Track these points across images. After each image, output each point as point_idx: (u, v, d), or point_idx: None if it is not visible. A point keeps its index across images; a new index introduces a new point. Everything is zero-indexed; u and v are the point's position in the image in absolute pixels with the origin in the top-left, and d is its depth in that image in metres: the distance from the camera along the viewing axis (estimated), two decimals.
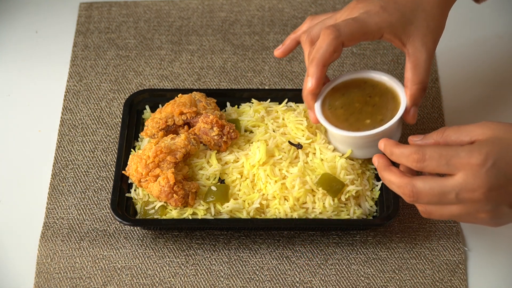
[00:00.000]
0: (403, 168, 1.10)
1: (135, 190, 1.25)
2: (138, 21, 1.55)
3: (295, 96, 1.32)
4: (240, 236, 1.25)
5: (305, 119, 1.27)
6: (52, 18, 1.56)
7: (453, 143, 1.06)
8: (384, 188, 1.23)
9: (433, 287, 1.20)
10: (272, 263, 1.23)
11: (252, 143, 1.26)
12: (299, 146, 1.24)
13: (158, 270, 1.22)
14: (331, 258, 1.23)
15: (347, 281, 1.21)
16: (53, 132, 1.39)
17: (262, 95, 1.33)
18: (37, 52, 1.51)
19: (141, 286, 1.21)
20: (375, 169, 1.26)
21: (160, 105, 1.34)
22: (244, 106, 1.32)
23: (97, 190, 1.31)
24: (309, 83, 1.16)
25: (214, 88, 1.42)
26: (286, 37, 1.51)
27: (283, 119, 1.29)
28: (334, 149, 1.24)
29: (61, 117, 1.40)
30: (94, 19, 1.55)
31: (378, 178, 1.26)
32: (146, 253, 1.24)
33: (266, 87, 1.45)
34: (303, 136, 1.25)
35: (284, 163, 1.23)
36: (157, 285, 1.21)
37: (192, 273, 1.22)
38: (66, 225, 1.27)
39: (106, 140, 1.37)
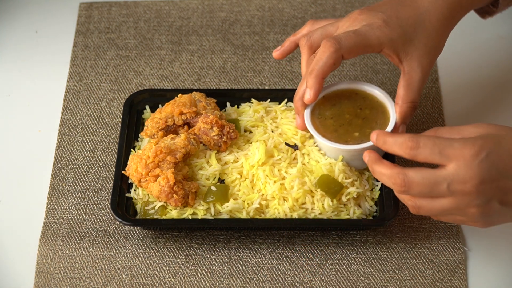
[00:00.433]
0: None
1: (135, 190, 1.25)
2: (138, 21, 1.55)
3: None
4: (240, 236, 1.25)
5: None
6: (52, 18, 1.56)
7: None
8: (384, 188, 1.23)
9: (433, 287, 1.20)
10: (272, 263, 1.23)
11: (251, 143, 1.26)
12: (295, 147, 1.24)
13: (158, 270, 1.22)
14: (331, 258, 1.23)
15: (347, 281, 1.21)
16: (53, 132, 1.39)
17: (262, 95, 1.33)
18: (37, 52, 1.51)
19: (141, 286, 1.21)
20: None
21: (160, 105, 1.34)
22: (244, 106, 1.32)
23: (97, 190, 1.31)
24: (307, 95, 1.17)
25: (214, 88, 1.42)
26: (286, 37, 1.51)
27: (281, 118, 1.29)
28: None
29: (61, 117, 1.40)
30: (94, 19, 1.55)
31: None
32: (146, 253, 1.24)
33: (266, 87, 1.45)
34: (296, 134, 1.25)
35: (283, 163, 1.23)
36: (157, 285, 1.21)
37: (192, 273, 1.22)
38: (66, 225, 1.27)
39: (106, 140, 1.37)
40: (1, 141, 1.38)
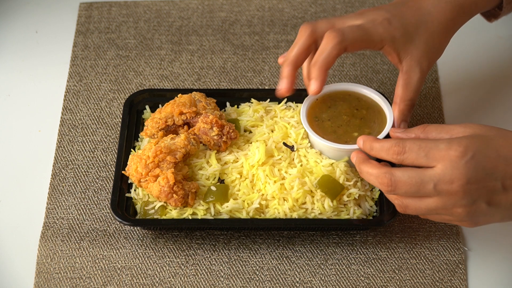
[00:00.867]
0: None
1: (135, 190, 1.25)
2: (138, 21, 1.55)
3: (295, 96, 1.32)
4: (240, 236, 1.25)
5: (295, 115, 1.28)
6: (52, 18, 1.56)
7: (433, 139, 1.07)
8: None
9: (433, 287, 1.20)
10: (272, 263, 1.23)
11: (251, 143, 1.26)
12: (292, 148, 1.24)
13: (158, 270, 1.22)
14: (331, 258, 1.23)
15: (347, 281, 1.21)
16: (53, 132, 1.39)
17: (261, 95, 1.33)
18: (37, 52, 1.51)
19: (141, 286, 1.21)
20: None
21: (160, 105, 1.34)
22: (244, 106, 1.32)
23: (97, 190, 1.31)
24: (312, 86, 1.15)
25: (214, 88, 1.42)
26: (286, 37, 1.51)
27: (280, 118, 1.29)
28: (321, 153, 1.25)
29: (61, 117, 1.40)
30: (94, 19, 1.55)
31: None
32: (146, 253, 1.24)
33: (266, 87, 1.45)
34: (292, 128, 1.26)
35: (283, 163, 1.23)
36: (157, 285, 1.21)
37: (192, 273, 1.22)
38: (66, 225, 1.27)
39: (106, 140, 1.37)
40: (1, 141, 1.38)
